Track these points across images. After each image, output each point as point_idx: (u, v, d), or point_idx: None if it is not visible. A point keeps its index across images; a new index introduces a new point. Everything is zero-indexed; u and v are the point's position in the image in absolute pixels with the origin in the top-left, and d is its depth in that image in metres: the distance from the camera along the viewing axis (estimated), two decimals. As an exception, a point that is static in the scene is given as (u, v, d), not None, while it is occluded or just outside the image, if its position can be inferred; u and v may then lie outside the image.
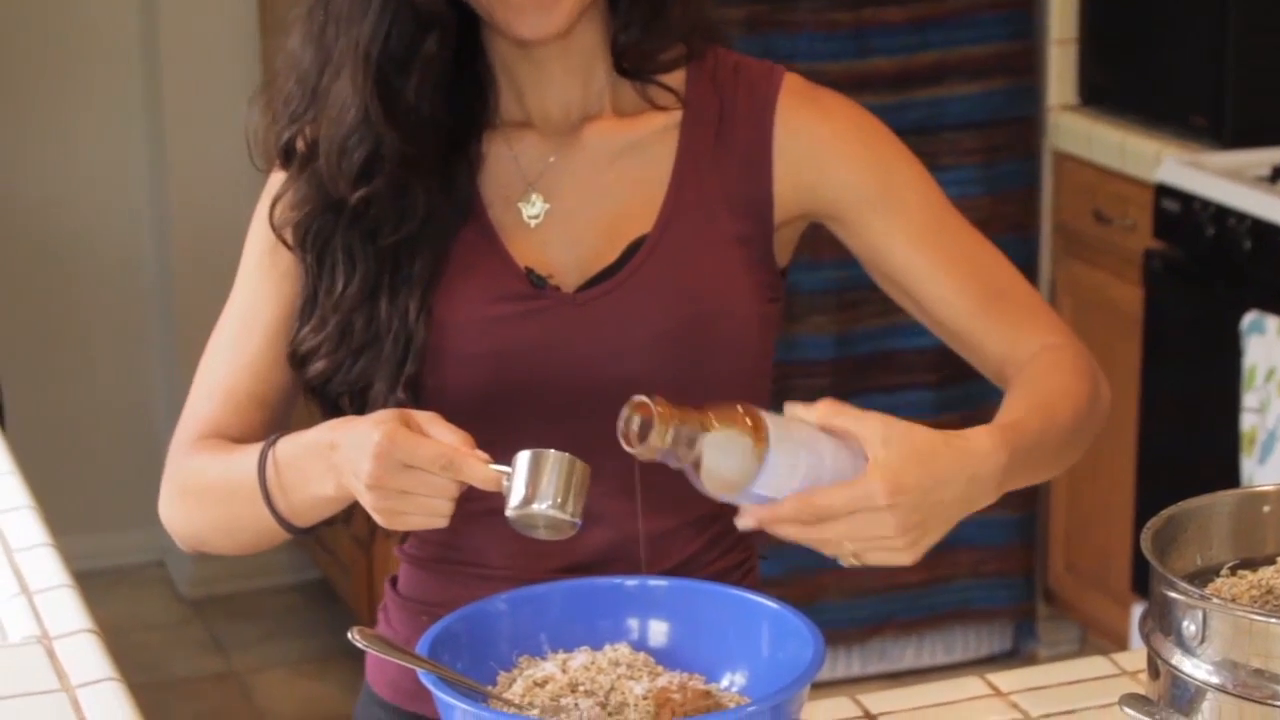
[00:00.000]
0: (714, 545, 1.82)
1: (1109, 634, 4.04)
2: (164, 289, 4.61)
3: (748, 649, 1.65)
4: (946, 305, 1.78)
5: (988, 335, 1.76)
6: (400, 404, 1.72)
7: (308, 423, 1.73)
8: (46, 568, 2.07)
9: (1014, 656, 4.24)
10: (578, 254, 1.77)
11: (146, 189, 4.61)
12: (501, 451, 1.60)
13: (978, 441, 1.60)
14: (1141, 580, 3.85)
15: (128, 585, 4.58)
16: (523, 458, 1.58)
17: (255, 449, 1.72)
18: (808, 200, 1.78)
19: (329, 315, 1.74)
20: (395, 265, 1.74)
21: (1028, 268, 4.12)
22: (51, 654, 1.87)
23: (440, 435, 1.59)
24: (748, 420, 1.53)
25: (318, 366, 1.75)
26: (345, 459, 1.61)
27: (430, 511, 1.59)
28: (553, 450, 1.58)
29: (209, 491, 1.78)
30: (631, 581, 1.69)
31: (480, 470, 1.57)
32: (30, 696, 1.79)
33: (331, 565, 4.42)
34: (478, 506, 1.67)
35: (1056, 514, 4.18)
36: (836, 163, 1.78)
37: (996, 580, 4.18)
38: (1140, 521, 3.82)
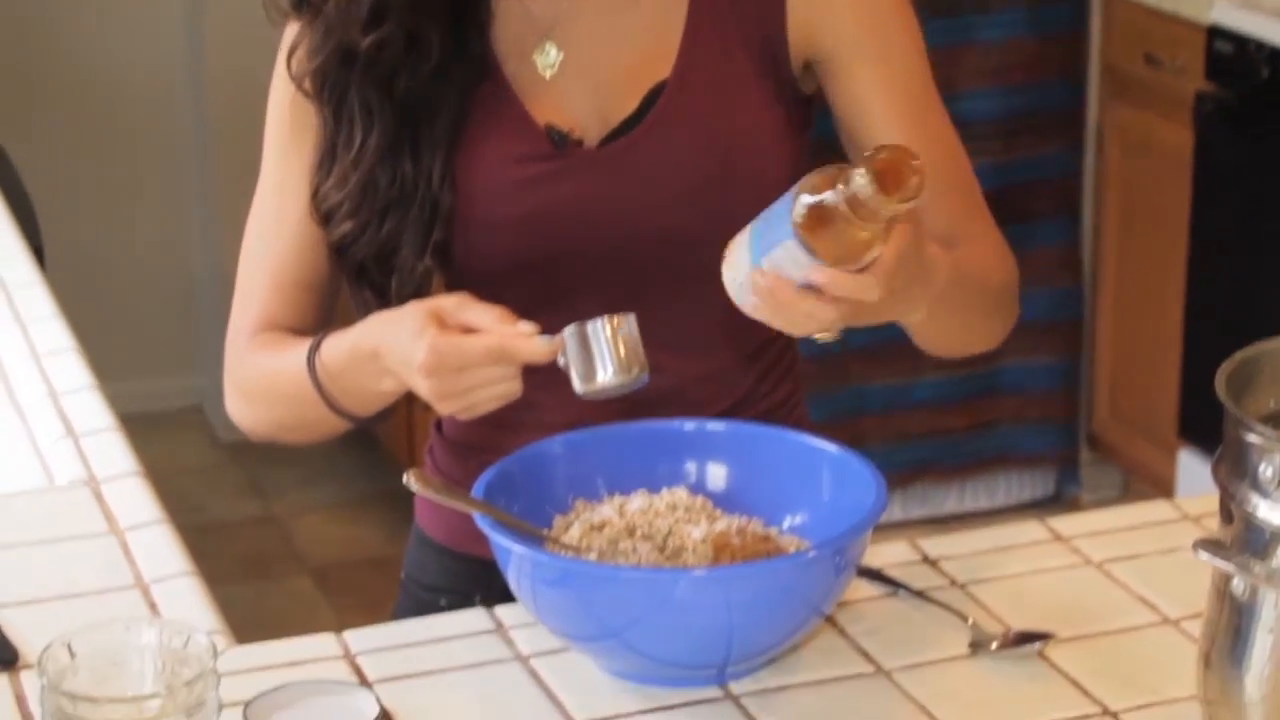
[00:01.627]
0: (764, 379, 1.81)
1: (1153, 479, 4.01)
2: (201, 131, 4.57)
3: (808, 493, 1.63)
4: None
5: (936, 214, 1.72)
6: (426, 272, 1.71)
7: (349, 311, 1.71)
8: (92, 411, 2.06)
9: (1056, 502, 4.22)
10: (597, 104, 1.73)
11: (183, 32, 4.56)
12: (540, 316, 1.58)
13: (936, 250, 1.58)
14: (1188, 425, 3.83)
15: (166, 430, 4.57)
16: (571, 336, 1.55)
17: (303, 355, 1.70)
18: (812, 40, 1.74)
19: (350, 172, 1.71)
20: (414, 121, 1.71)
21: (1074, 111, 4.06)
22: (99, 497, 1.86)
23: (476, 319, 1.56)
24: None
25: (344, 228, 1.72)
26: (397, 364, 1.60)
27: (501, 396, 1.57)
28: (598, 319, 1.55)
29: (270, 395, 1.78)
30: (689, 424, 1.67)
31: (532, 347, 1.55)
32: (80, 540, 1.77)
33: (370, 410, 4.40)
34: None
35: (1101, 358, 4.14)
36: (842, 7, 1.74)
37: (1040, 425, 4.16)
38: (1187, 366, 3.80)
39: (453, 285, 1.73)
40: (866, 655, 1.58)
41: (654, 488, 1.64)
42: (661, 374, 1.69)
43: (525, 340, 1.55)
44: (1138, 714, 1.50)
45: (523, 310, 1.58)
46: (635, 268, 1.71)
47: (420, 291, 1.70)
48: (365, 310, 1.72)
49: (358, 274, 1.75)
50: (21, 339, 2.25)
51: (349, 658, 1.58)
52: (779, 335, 1.76)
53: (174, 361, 4.71)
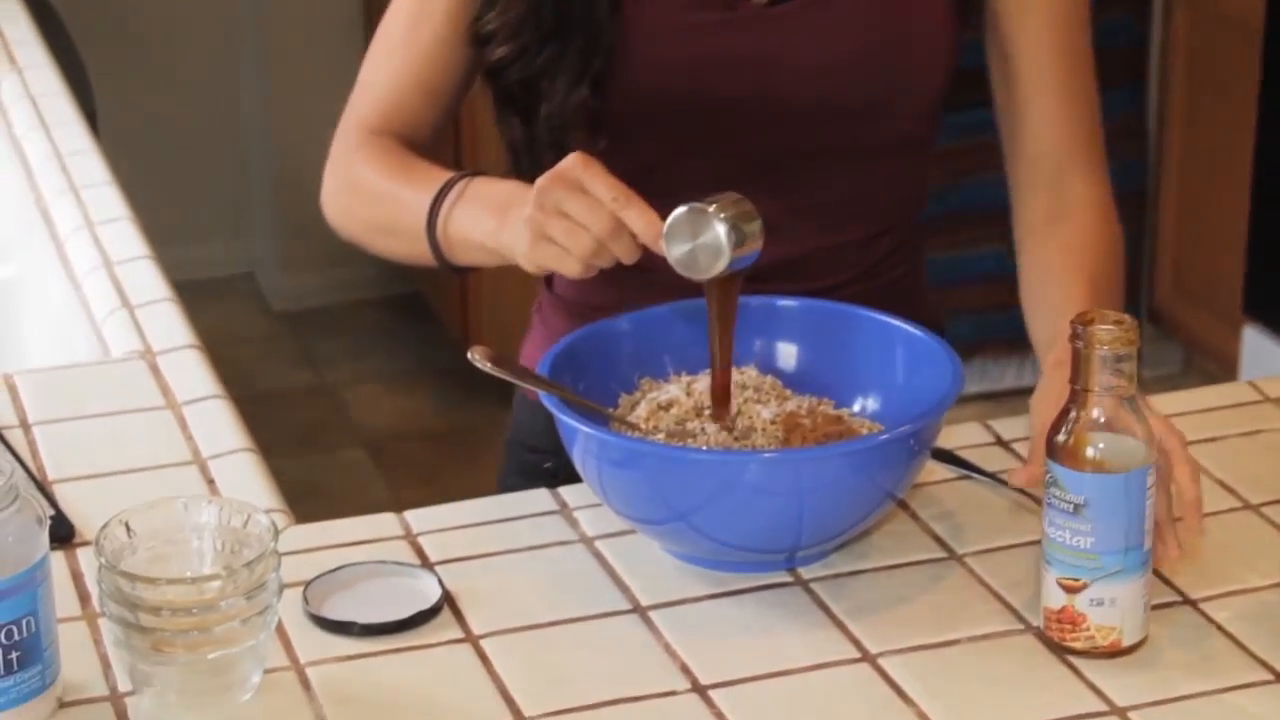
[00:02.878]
0: (889, 256, 1.80)
1: (1215, 356, 3.96)
2: (251, -3, 4.52)
3: (881, 373, 1.59)
4: (1036, 87, 1.74)
5: (1047, 132, 1.73)
6: (581, 102, 1.67)
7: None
8: (147, 281, 2.02)
9: (1116, 378, 4.16)
10: None
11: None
12: (676, 167, 1.58)
13: None
14: (1253, 300, 3.77)
15: (218, 298, 4.54)
16: (680, 219, 1.49)
17: (430, 183, 1.66)
18: None
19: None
20: None
21: (1142, -21, 3.99)
22: (155, 370, 1.83)
23: (598, 185, 1.52)
24: None
25: (500, 51, 1.70)
26: (520, 199, 1.56)
27: (573, 240, 1.51)
28: (711, 207, 1.49)
29: (373, 202, 1.74)
30: (759, 301, 1.62)
31: (647, 215, 1.50)
32: (136, 413, 1.74)
33: (424, 280, 4.37)
34: (653, 208, 1.61)
35: (1165, 232, 4.08)
36: None
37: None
38: (1254, 241, 3.74)
39: (598, 124, 1.68)
40: (939, 540, 1.55)
41: (722, 366, 1.60)
42: (788, 242, 1.70)
43: (646, 206, 1.50)
44: (1218, 603, 1.46)
45: (661, 157, 1.57)
46: (782, 132, 1.69)
47: (567, 124, 1.66)
48: (509, 136, 1.71)
49: (507, 98, 1.72)
50: (75, 207, 2.22)
51: (410, 538, 1.55)
52: (908, 215, 1.80)
53: (226, 228, 4.67)
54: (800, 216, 1.70)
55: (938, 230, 3.91)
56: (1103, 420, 1.37)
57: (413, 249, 1.69)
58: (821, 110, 1.68)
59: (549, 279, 1.87)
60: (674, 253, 1.49)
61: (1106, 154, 1.82)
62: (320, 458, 3.98)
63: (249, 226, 4.66)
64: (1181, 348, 4.17)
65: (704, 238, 1.48)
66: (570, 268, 1.52)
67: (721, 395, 1.55)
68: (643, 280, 1.63)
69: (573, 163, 1.52)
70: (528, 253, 1.54)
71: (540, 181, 1.53)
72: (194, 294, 4.30)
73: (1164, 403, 1.74)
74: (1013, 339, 4.06)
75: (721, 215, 1.48)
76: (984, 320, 4.02)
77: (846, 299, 1.67)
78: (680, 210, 1.48)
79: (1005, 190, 1.78)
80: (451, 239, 1.65)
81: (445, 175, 1.67)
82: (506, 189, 1.62)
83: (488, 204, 1.62)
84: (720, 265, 1.48)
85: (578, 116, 1.67)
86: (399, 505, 1.63)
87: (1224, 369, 3.89)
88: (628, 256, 1.52)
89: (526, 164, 1.71)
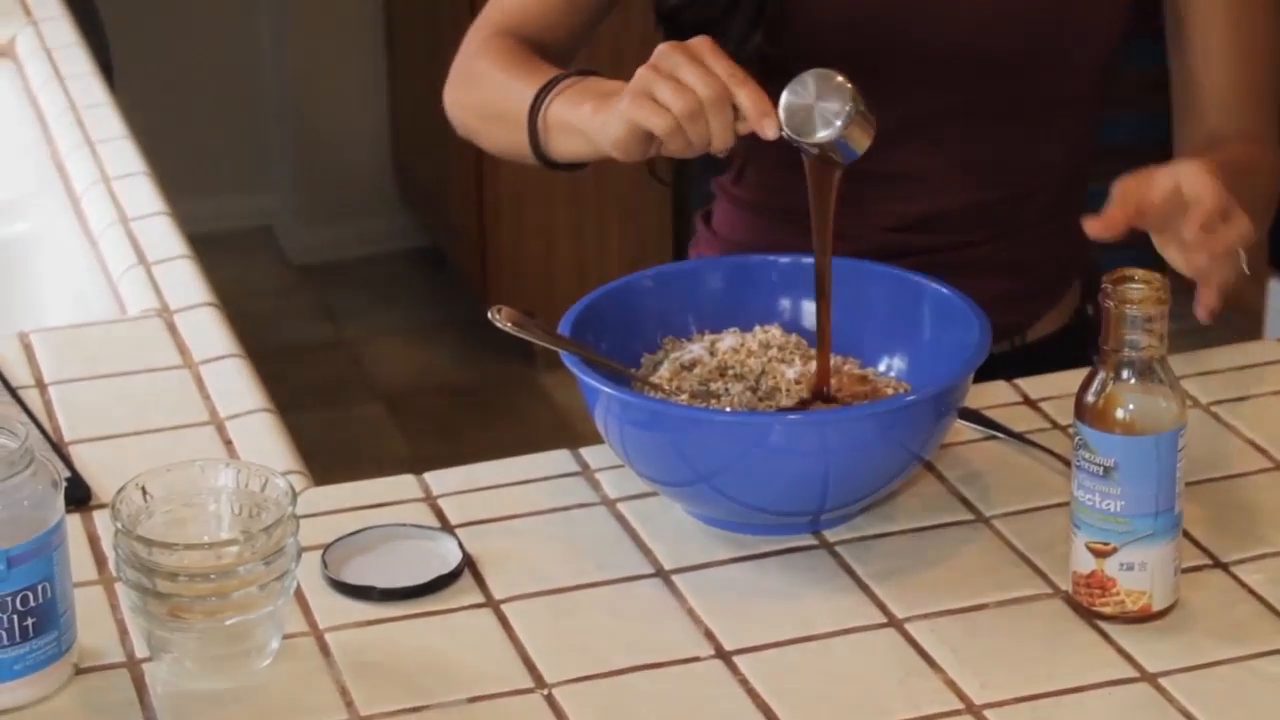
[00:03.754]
0: (1045, 211, 1.81)
1: (1241, 309, 3.92)
2: (268, -53, 4.49)
3: (908, 332, 1.56)
4: (1208, 56, 1.77)
5: (1219, 105, 1.76)
6: (757, 47, 1.68)
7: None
8: (164, 237, 2.00)
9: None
10: None
11: None
12: None
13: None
14: (1279, 254, 3.73)
15: (235, 251, 4.51)
16: (809, 76, 1.48)
17: (545, 75, 1.66)
18: None
19: None
20: None
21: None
22: (172, 328, 1.81)
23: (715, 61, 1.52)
24: None
25: None
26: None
27: (675, 97, 1.48)
28: (841, 77, 1.48)
29: (486, 90, 1.73)
30: (784, 258, 1.60)
31: (758, 94, 1.48)
32: (153, 372, 1.73)
33: (442, 233, 4.35)
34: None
35: (1189, 185, 4.05)
36: None
37: (1124, 252, 4.06)
38: None
39: (772, 70, 1.64)
40: (966, 502, 1.52)
41: (746, 326, 1.58)
42: (940, 195, 1.75)
43: (759, 87, 1.48)
44: (1249, 566, 1.44)
45: None
46: (946, 84, 1.71)
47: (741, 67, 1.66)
48: None
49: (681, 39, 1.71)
50: (91, 161, 2.20)
51: (430, 500, 1.53)
52: (1069, 173, 1.82)
53: (244, 181, 4.64)
54: (954, 170, 1.72)
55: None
56: (1133, 381, 1.34)
57: (515, 137, 1.67)
58: (982, 66, 1.70)
59: (707, 214, 1.88)
60: (789, 102, 1.47)
61: (1127, 100, 1.83)
62: (339, 412, 3.97)
63: (267, 179, 4.63)
64: (1205, 300, 4.14)
65: (826, 100, 1.47)
66: (659, 124, 1.49)
67: (822, 302, 1.52)
68: (803, 224, 1.61)
69: (699, 40, 1.50)
70: (624, 109, 1.51)
71: (661, 46, 1.51)
72: (212, 247, 4.28)
73: (1191, 361, 1.72)
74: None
75: (849, 88, 1.47)
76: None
77: (987, 254, 1.67)
78: (815, 70, 1.47)
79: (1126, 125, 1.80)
80: (549, 124, 1.64)
81: (562, 72, 1.66)
82: (617, 85, 1.59)
83: (592, 93, 1.60)
84: (828, 134, 1.47)
85: (751, 62, 1.64)
86: (417, 460, 1.61)
87: (1250, 323, 3.86)
88: (722, 134, 1.49)
89: None
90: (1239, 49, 1.75)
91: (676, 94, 1.48)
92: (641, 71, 1.51)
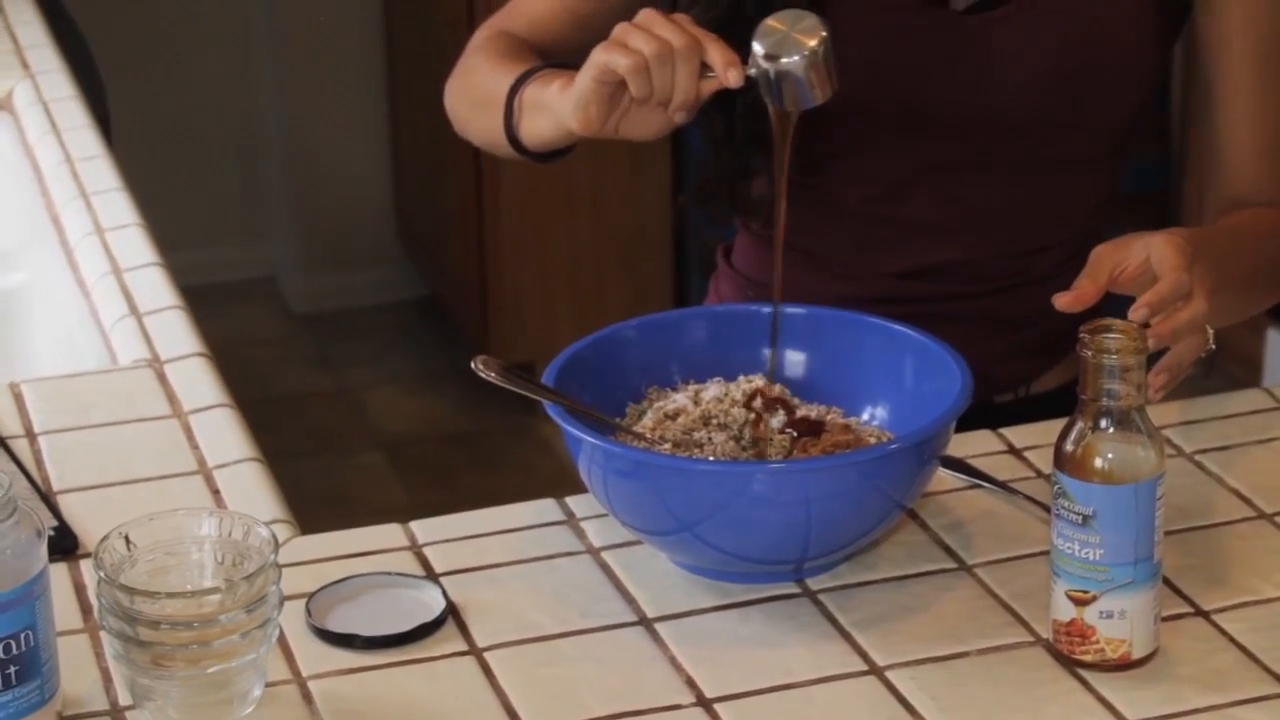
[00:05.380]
0: (1062, 265, 1.78)
1: (1240, 358, 3.93)
2: (270, -1, 4.51)
3: (890, 382, 1.57)
4: (1234, 124, 1.75)
5: (1241, 170, 1.74)
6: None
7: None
8: (156, 289, 2.01)
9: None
10: None
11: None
12: (852, 157, 1.66)
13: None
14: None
15: (238, 300, 4.53)
16: (788, 12, 1.52)
17: (526, 66, 1.68)
18: None
19: None
20: None
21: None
22: (162, 378, 1.82)
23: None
24: None
25: (692, 14, 1.70)
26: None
27: (645, 41, 1.49)
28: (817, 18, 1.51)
29: (477, 79, 1.75)
30: (767, 309, 1.61)
31: (727, 49, 1.50)
32: (143, 422, 1.73)
33: (443, 282, 4.36)
34: (825, 194, 1.67)
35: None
36: None
37: (1123, 300, 4.08)
38: None
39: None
40: (949, 550, 1.53)
41: (730, 375, 1.59)
42: (952, 245, 1.76)
43: (726, 45, 1.50)
44: (1230, 614, 1.45)
45: (839, 147, 1.67)
46: (964, 138, 1.72)
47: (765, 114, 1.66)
48: (709, 130, 1.73)
49: None
50: (86, 213, 2.21)
51: (415, 548, 1.54)
52: (1087, 226, 1.81)
53: (246, 231, 4.66)
54: (966, 221, 1.74)
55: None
56: (1111, 430, 1.35)
57: (495, 123, 1.68)
58: (998, 121, 1.71)
59: (728, 249, 1.90)
60: (766, 25, 1.50)
61: (1128, 155, 1.82)
62: (338, 461, 3.98)
63: (268, 230, 4.65)
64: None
65: (799, 26, 1.49)
66: (624, 63, 1.49)
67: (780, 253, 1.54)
68: (814, 263, 1.61)
69: (681, 14, 1.53)
70: (594, 54, 1.52)
71: (642, 10, 1.53)
72: (215, 297, 4.33)
73: (1175, 410, 1.72)
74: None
75: (824, 29, 1.50)
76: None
77: (996, 305, 1.67)
78: (793, 9, 1.52)
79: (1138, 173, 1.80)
80: (523, 105, 1.65)
81: (550, 63, 1.68)
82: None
83: (568, 75, 1.60)
84: (798, 60, 1.48)
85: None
86: (416, 509, 1.61)
87: (1249, 372, 3.86)
88: (686, 84, 1.50)
89: (727, 158, 1.73)
90: (1266, 116, 1.74)
91: (647, 40, 1.50)
92: (619, 25, 1.53)
